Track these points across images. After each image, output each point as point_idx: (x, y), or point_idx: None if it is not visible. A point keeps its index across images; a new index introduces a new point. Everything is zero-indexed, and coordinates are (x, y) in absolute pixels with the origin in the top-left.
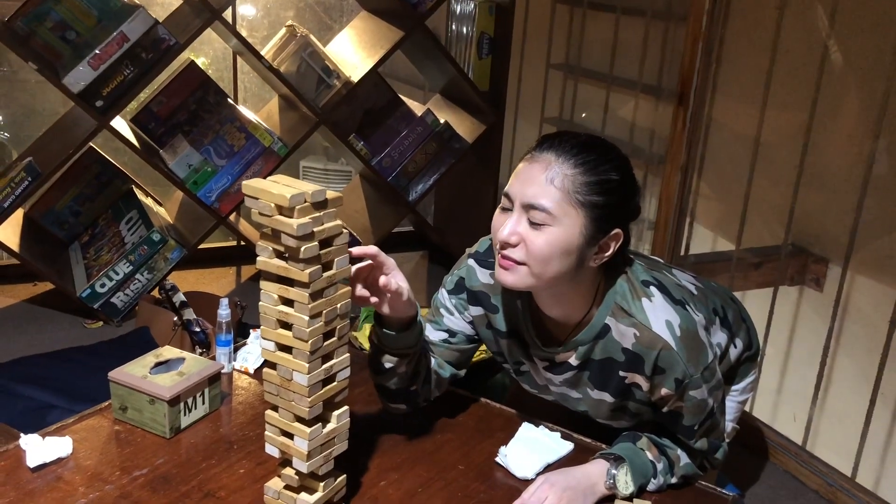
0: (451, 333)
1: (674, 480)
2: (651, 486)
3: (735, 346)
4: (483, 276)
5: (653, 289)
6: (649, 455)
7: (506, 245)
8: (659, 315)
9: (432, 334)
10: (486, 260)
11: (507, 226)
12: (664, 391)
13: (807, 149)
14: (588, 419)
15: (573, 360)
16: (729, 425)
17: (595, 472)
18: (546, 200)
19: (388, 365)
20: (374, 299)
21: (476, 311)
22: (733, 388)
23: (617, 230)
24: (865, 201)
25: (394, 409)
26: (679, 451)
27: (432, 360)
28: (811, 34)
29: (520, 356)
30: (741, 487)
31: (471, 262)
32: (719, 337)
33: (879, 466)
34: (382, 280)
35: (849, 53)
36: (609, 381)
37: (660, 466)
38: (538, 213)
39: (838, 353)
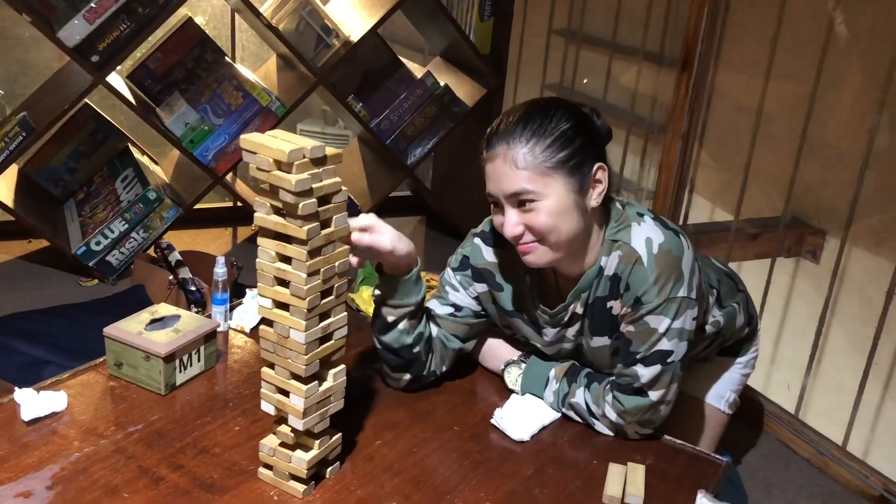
0: (457, 308)
1: (560, 405)
2: (548, 399)
3: (741, 318)
4: (488, 254)
5: (647, 216)
6: (553, 372)
7: (516, 239)
8: (642, 233)
9: (438, 308)
10: (491, 238)
11: (507, 223)
12: (624, 309)
13: (809, 120)
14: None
15: (579, 309)
16: (732, 396)
17: (506, 352)
18: (521, 184)
19: (390, 318)
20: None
21: (481, 287)
22: (737, 360)
23: (597, 164)
24: (865, 174)
25: (396, 378)
26: (582, 389)
27: (438, 330)
28: (818, 4)
29: (527, 334)
30: (733, 454)
31: (476, 240)
32: (716, 311)
33: (870, 435)
34: (367, 239)
35: (855, 25)
36: (604, 322)
37: (554, 385)
38: (523, 197)
39: (833, 324)
